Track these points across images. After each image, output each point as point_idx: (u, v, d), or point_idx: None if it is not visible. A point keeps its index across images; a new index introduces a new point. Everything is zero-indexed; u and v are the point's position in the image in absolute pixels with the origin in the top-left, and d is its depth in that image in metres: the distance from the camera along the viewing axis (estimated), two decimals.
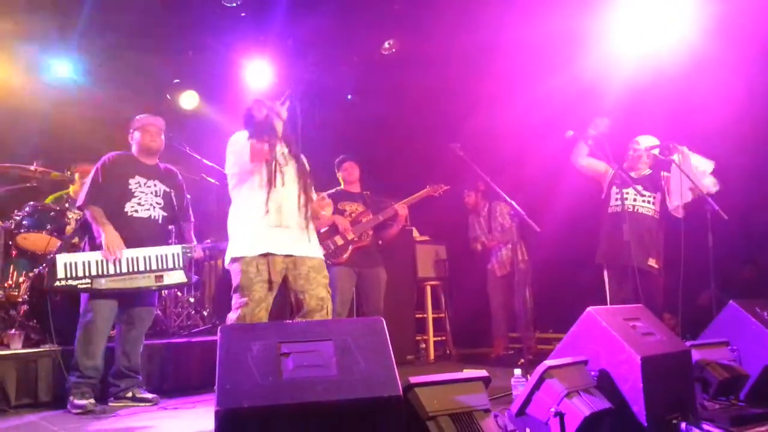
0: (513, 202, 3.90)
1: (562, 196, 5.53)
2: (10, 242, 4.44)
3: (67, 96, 5.73)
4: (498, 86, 6.11)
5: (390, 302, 4.89)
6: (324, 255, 3.46)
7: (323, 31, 5.83)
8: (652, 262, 4.24)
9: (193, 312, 5.33)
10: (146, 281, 3.62)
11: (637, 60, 5.41)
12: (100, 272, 3.54)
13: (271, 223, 3.16)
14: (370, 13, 5.84)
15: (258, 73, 6.47)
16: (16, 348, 3.83)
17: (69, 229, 4.38)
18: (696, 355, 2.89)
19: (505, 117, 5.97)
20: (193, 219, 4.12)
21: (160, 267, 3.65)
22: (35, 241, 4.39)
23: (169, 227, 3.93)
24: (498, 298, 5.89)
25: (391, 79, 6.54)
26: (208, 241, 4.73)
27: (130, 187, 3.76)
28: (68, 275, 3.50)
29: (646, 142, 4.46)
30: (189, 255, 3.79)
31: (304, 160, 3.40)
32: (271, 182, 3.16)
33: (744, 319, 3.29)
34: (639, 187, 4.27)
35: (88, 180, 3.78)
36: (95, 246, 3.65)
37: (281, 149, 3.31)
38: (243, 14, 5.82)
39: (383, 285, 4.76)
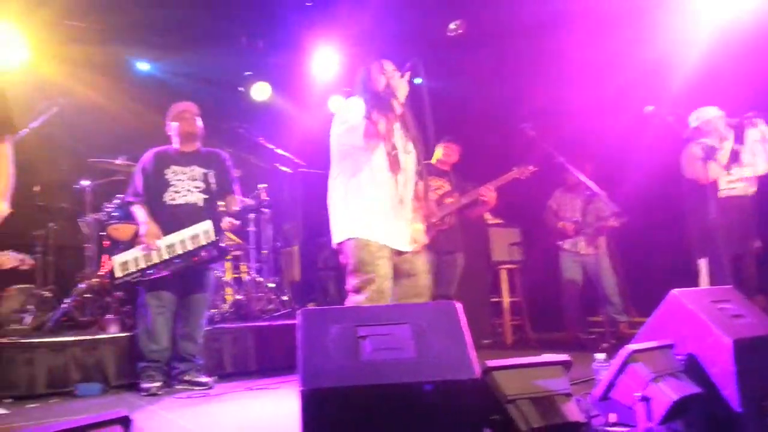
0: (591, 183, 3.79)
1: (641, 176, 5.30)
2: (102, 233, 4.73)
3: (146, 91, 6.02)
4: (568, 60, 5.89)
5: (464, 286, 4.87)
6: None
7: (390, 15, 5.81)
8: (757, 243, 4.05)
9: (273, 297, 5.50)
10: (185, 262, 3.82)
11: (716, 27, 5.05)
12: (146, 264, 3.81)
13: (389, 213, 2.95)
14: None
15: (325, 61, 6.54)
16: (113, 332, 4.09)
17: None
18: None
19: (579, 94, 5.77)
20: (236, 192, 4.18)
21: (195, 246, 3.81)
22: (124, 231, 4.63)
23: (218, 205, 4.07)
24: (574, 279, 5.72)
25: (458, 59, 6.44)
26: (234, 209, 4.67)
27: (166, 177, 3.96)
28: (123, 273, 3.84)
29: (711, 112, 4.20)
30: (219, 228, 3.91)
31: (420, 147, 3.10)
32: (394, 169, 2.93)
33: None
34: (735, 166, 4.06)
35: (132, 178, 4.06)
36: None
37: (399, 130, 3.02)
38: (309, 3, 5.89)
39: (459, 270, 4.73)
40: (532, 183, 5.40)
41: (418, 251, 3.06)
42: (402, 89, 2.98)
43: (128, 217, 4.51)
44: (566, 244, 5.77)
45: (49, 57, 5.32)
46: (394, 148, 2.95)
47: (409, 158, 3.06)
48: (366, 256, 2.86)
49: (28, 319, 4.42)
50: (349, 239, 2.93)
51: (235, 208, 4.09)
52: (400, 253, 3.00)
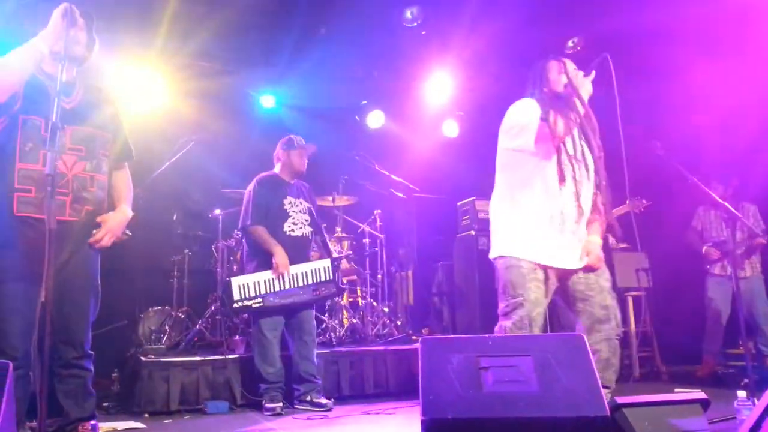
0: (730, 206, 3.51)
1: None
2: (232, 258, 5.02)
3: (269, 123, 6.38)
4: (702, 75, 5.50)
5: None
6: None
7: (505, 38, 5.75)
8: None
9: (387, 321, 5.55)
10: (307, 295, 3.96)
11: None
12: (268, 290, 3.88)
13: (553, 230, 2.66)
14: (553, 12, 5.62)
15: (439, 85, 6.59)
16: (240, 353, 4.31)
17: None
18: None
19: (714, 109, 5.35)
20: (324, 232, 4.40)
21: (316, 281, 3.96)
22: None
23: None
24: (721, 306, 5.24)
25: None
26: (348, 252, 5.13)
27: (284, 207, 4.05)
28: (242, 296, 3.85)
29: None
30: (336, 266, 4.10)
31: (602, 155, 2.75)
32: (567, 180, 2.63)
33: None
34: None
35: (247, 201, 4.06)
36: (262, 265, 3.95)
37: (578, 136, 2.71)
38: (424, 32, 5.97)
39: None
40: (662, 203, 5.05)
41: (596, 268, 2.70)
42: (586, 89, 2.72)
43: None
44: (715, 269, 5.32)
45: (183, 95, 5.79)
46: (569, 155, 2.65)
47: (587, 167, 2.73)
48: (516, 278, 2.62)
49: (165, 338, 4.78)
50: (501, 257, 2.71)
51: (332, 254, 4.27)
52: (569, 272, 2.71)
